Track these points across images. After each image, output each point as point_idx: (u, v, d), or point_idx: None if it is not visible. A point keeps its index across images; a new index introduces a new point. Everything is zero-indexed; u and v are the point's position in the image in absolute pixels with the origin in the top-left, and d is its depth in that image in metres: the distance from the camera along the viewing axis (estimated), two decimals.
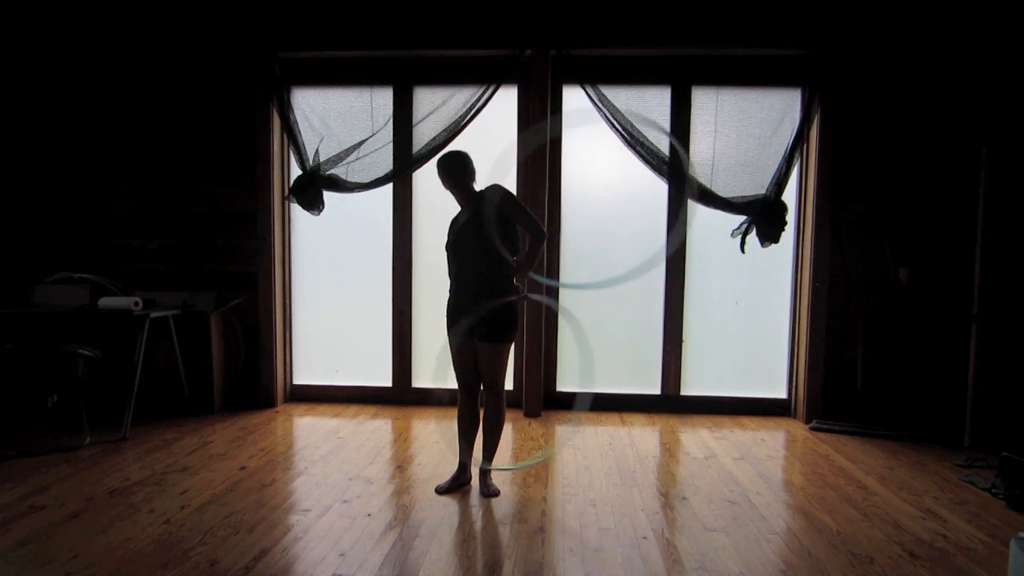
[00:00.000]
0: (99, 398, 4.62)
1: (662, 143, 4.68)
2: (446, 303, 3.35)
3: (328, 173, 4.74)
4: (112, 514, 3.00)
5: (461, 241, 3.22)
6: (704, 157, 4.71)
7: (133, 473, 3.54)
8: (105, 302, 4.32)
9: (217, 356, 4.83)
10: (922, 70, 4.53)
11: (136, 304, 4.29)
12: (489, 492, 3.31)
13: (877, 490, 3.47)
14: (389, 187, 4.96)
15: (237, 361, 5.01)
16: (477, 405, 3.41)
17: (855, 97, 4.59)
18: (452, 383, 3.44)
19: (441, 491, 3.33)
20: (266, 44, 4.77)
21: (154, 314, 4.35)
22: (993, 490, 3.42)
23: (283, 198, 4.99)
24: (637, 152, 4.58)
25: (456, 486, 3.37)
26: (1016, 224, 4.24)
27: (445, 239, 3.36)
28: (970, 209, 4.36)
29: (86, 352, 4.17)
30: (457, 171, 3.26)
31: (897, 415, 4.57)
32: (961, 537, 2.91)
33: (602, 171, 5.00)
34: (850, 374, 4.66)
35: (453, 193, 3.31)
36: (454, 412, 3.46)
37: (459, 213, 3.35)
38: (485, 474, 3.40)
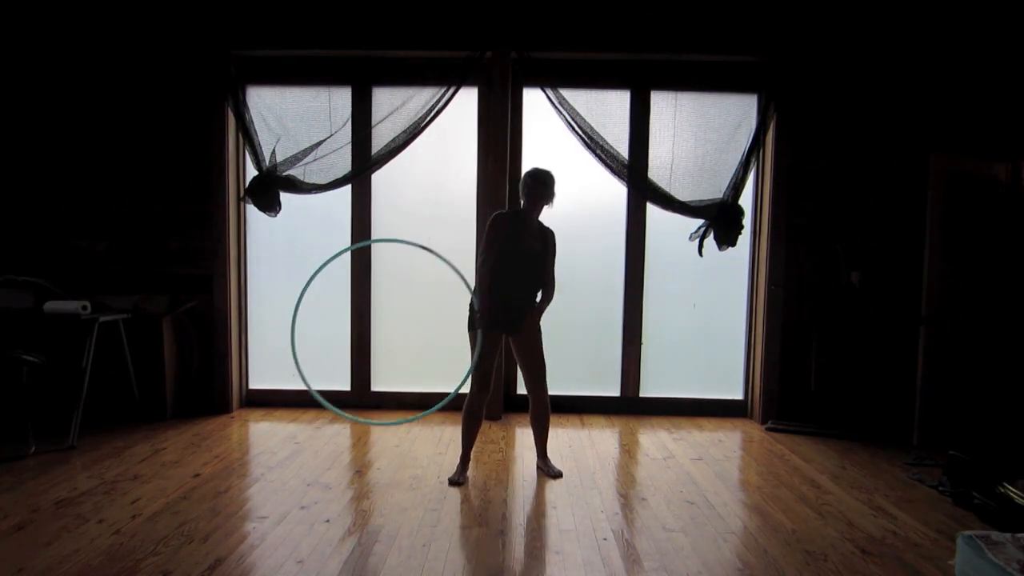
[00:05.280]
0: (45, 406, 4.46)
1: (621, 146, 4.73)
2: (481, 301, 3.49)
3: (285, 174, 4.67)
4: (59, 525, 2.90)
5: (527, 261, 3.55)
6: (663, 161, 4.76)
7: (81, 482, 3.43)
8: (51, 306, 4.17)
9: (170, 361, 4.71)
10: (874, 78, 4.65)
11: (84, 308, 4.16)
12: (554, 473, 3.67)
13: (830, 489, 3.55)
14: (347, 189, 4.90)
15: (191, 366, 4.89)
16: (484, 410, 3.65)
17: (810, 104, 4.69)
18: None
19: (453, 483, 3.52)
20: (221, 41, 4.68)
21: (103, 318, 4.23)
22: (940, 487, 3.52)
23: (239, 199, 4.89)
24: (596, 155, 4.62)
25: (466, 480, 3.58)
26: (963, 230, 4.38)
27: (505, 239, 3.49)
28: (919, 214, 4.49)
29: (31, 358, 4.03)
30: (554, 195, 3.59)
31: (849, 415, 4.68)
32: (910, 533, 2.99)
33: (563, 180, 5.00)
34: (804, 375, 4.76)
35: (535, 207, 3.56)
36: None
37: (518, 223, 3.53)
38: (545, 458, 3.74)
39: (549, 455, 3.79)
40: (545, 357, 3.65)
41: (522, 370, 3.69)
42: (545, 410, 3.68)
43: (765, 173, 4.83)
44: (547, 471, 3.69)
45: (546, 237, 3.65)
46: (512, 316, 3.55)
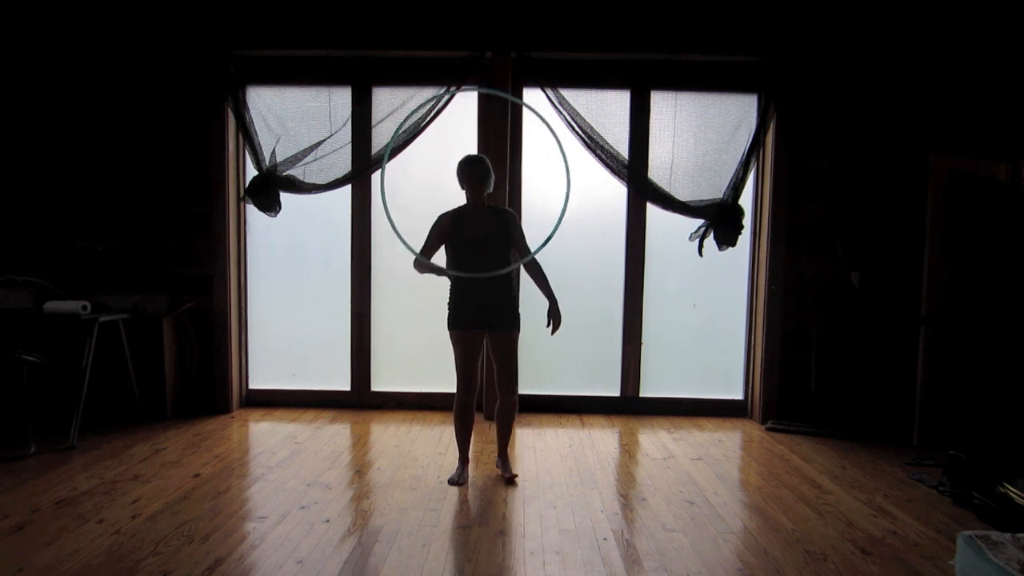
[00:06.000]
0: (45, 406, 4.47)
1: (621, 146, 4.73)
2: (455, 300, 3.52)
3: (285, 174, 4.67)
4: (59, 525, 2.90)
5: (481, 246, 3.48)
6: (663, 161, 4.76)
7: (81, 483, 3.43)
8: (51, 306, 4.17)
9: (169, 361, 4.71)
10: (874, 78, 4.65)
11: (84, 308, 4.16)
12: (508, 476, 3.57)
13: (830, 489, 3.55)
14: (347, 189, 4.90)
15: (190, 366, 4.89)
16: (474, 405, 3.60)
17: (810, 104, 4.69)
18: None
19: (453, 483, 3.51)
20: (221, 41, 4.68)
21: (103, 318, 4.23)
22: (940, 487, 3.52)
23: (239, 199, 4.89)
24: (596, 155, 4.62)
25: (466, 480, 3.56)
26: (963, 229, 4.38)
27: (452, 236, 3.52)
28: (919, 214, 4.48)
29: (31, 358, 4.03)
30: (489, 176, 3.55)
31: (849, 415, 4.68)
32: (910, 533, 2.98)
33: (561, 181, 5.00)
34: (804, 375, 4.76)
35: (474, 192, 3.52)
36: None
37: (465, 215, 3.54)
38: (505, 458, 3.67)
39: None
40: (519, 369, 3.58)
41: (495, 376, 3.60)
42: (512, 410, 3.59)
43: (765, 173, 4.82)
44: (504, 472, 3.61)
45: (499, 216, 3.57)
46: (488, 310, 3.47)
